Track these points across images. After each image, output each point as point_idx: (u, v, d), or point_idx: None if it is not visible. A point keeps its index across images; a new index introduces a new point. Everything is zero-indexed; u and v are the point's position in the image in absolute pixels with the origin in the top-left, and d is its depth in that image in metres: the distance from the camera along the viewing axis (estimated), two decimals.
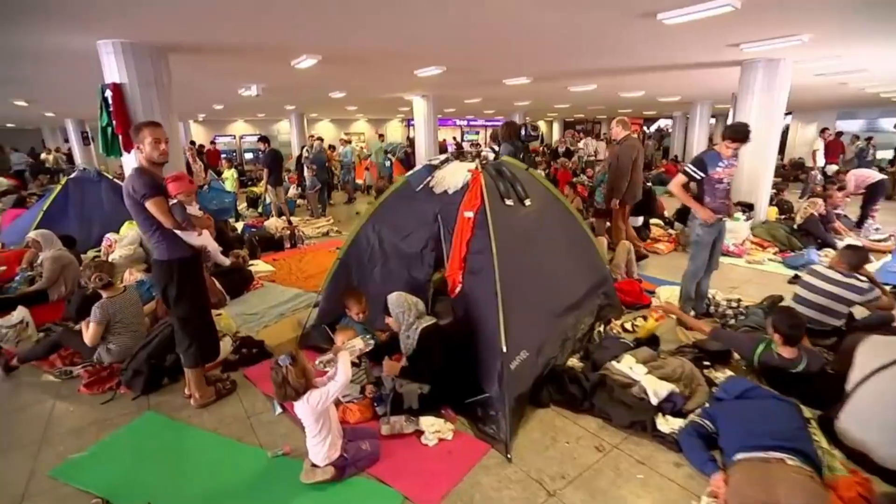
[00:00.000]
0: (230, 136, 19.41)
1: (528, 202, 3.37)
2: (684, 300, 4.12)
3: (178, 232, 2.54)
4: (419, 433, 2.56)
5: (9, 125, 18.51)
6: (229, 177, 10.05)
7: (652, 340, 3.67)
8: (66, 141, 18.56)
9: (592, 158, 14.91)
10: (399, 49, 5.87)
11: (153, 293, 4.51)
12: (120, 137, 5.02)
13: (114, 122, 4.97)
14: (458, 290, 3.03)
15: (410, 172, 3.53)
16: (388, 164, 11.92)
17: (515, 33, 5.09)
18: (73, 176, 7.36)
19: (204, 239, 2.65)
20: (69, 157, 17.27)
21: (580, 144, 16.12)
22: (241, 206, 10.16)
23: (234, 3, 3.82)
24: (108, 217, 7.10)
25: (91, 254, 6.17)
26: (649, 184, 9.45)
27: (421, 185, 3.28)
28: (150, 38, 4.84)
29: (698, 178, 3.70)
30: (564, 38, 5.33)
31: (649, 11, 4.16)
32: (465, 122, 26.22)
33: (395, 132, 25.88)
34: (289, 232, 7.32)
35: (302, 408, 2.09)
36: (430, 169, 3.33)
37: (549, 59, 6.75)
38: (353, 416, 2.65)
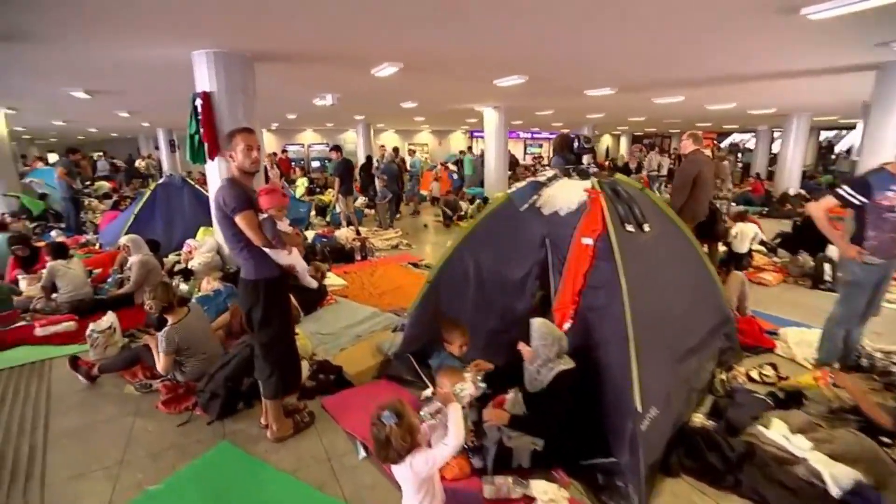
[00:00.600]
0: (299, 144, 20.14)
1: (646, 227, 2.88)
2: (826, 351, 3.42)
3: (266, 250, 2.31)
4: (529, 500, 2.15)
5: (113, 135, 20.28)
6: (300, 184, 10.24)
7: (793, 396, 3.05)
8: (157, 148, 20.09)
9: (655, 173, 13.97)
10: (483, 57, 5.60)
11: (228, 304, 4.45)
12: (206, 145, 5.05)
13: (201, 130, 5.02)
14: (566, 326, 2.60)
15: (513, 189, 3.15)
16: (455, 176, 11.70)
17: (620, 36, 4.63)
18: (160, 182, 7.72)
19: (293, 258, 2.41)
20: (159, 164, 18.68)
21: (644, 160, 15.19)
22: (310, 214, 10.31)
23: (323, 11, 3.69)
24: (189, 222, 7.32)
25: (172, 258, 6.32)
26: (735, 204, 8.48)
27: (526, 205, 2.89)
28: (241, 46, 4.87)
29: (857, 203, 3.03)
30: (676, 40, 4.77)
31: (793, 5, 3.56)
32: (529, 135, 25.69)
33: (458, 143, 25.90)
34: (359, 243, 7.19)
35: (403, 472, 1.74)
36: (537, 186, 2.94)
37: (646, 66, 6.18)
38: (451, 471, 2.28)
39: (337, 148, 8.76)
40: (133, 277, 4.76)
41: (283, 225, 2.34)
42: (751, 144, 21.79)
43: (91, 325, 3.72)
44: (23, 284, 5.05)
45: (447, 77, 7.01)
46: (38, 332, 4.06)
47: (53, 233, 7.81)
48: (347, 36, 4.47)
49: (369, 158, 11.87)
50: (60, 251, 4.75)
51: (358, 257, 6.88)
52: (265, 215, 2.28)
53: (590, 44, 4.90)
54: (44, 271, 4.68)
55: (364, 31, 4.30)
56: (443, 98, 10.03)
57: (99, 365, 3.34)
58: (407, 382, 3.13)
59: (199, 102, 4.99)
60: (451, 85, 7.78)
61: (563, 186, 2.87)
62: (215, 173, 5.30)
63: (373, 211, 10.23)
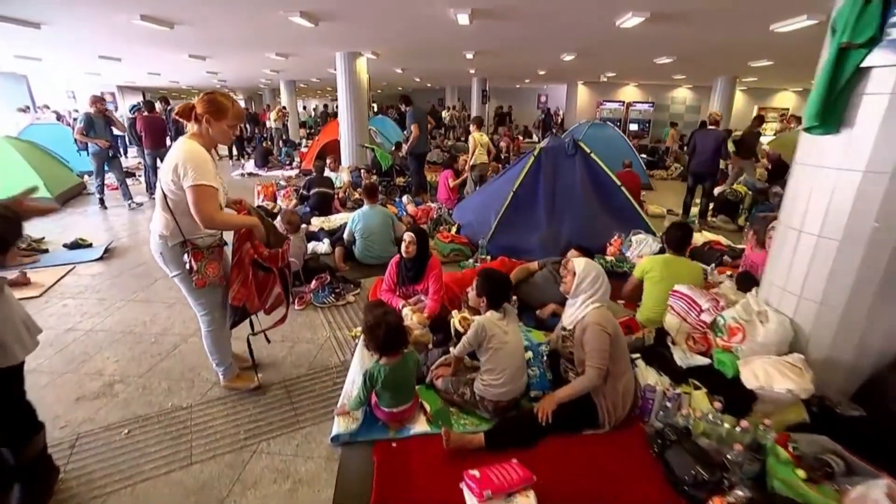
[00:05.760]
0: (619, 102, 16.28)
1: None
2: None
3: None
4: None
5: (427, 85, 20.12)
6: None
7: None
8: (459, 100, 19.50)
9: None
10: None
11: None
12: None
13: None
14: None
15: None
16: None
17: None
18: (544, 146, 5.24)
19: None
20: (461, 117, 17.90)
21: None
22: None
23: None
24: (579, 206, 4.86)
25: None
26: None
27: None
28: None
29: None
30: None
31: None
32: None
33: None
34: None
35: None
36: None
37: None
38: None
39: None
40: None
41: None
42: None
43: None
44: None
45: None
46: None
47: (405, 198, 6.35)
48: None
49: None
50: (499, 297, 2.37)
51: None
52: None
53: None
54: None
55: None
56: None
57: None
58: None
59: None
60: None
61: None
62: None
63: None
